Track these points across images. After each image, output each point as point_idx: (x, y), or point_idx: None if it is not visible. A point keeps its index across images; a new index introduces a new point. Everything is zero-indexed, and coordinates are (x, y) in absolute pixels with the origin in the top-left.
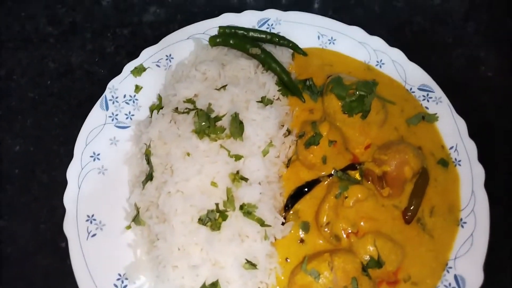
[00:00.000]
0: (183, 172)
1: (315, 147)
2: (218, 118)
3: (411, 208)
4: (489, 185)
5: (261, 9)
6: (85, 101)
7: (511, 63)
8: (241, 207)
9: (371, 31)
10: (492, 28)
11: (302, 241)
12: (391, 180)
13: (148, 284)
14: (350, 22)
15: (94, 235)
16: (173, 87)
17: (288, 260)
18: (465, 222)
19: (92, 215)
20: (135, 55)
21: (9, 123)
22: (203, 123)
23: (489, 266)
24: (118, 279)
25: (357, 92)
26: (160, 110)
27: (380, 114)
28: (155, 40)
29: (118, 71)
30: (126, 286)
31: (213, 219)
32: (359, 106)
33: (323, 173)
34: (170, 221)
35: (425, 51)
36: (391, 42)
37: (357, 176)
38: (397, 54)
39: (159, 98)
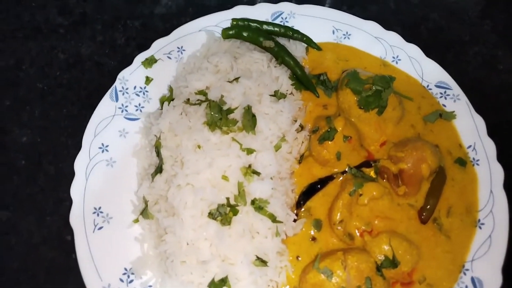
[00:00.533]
0: (194, 164)
1: (329, 142)
2: (230, 111)
3: (427, 207)
4: (509, 186)
5: (275, 2)
6: (95, 92)
7: None
8: (253, 202)
9: (386, 28)
10: (510, 27)
11: (314, 239)
12: (407, 178)
13: (154, 279)
14: (364, 18)
15: (101, 227)
16: (184, 78)
17: (299, 259)
18: (483, 223)
19: (99, 208)
20: (146, 47)
21: (17, 113)
22: (216, 115)
23: (508, 269)
24: (124, 274)
25: (374, 87)
26: (171, 102)
27: (397, 110)
28: (166, 33)
29: (129, 63)
30: (132, 281)
31: (224, 214)
32: (375, 101)
33: (336, 169)
34: (179, 214)
35: (441, 48)
36: (407, 39)
37: (372, 173)
38: (414, 50)
39: (170, 89)
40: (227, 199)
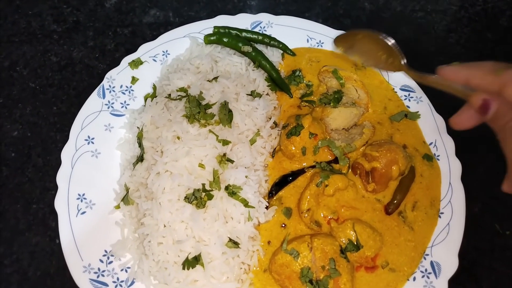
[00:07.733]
0: (173, 153)
1: (296, 137)
2: (208, 106)
3: (394, 202)
4: (467, 180)
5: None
6: (83, 92)
7: None
8: (227, 188)
9: None
10: (472, 41)
11: (284, 225)
12: (378, 177)
13: (133, 261)
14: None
15: (83, 212)
16: (167, 77)
17: (270, 243)
18: (442, 213)
19: (83, 194)
20: (134, 51)
21: (9, 110)
22: (194, 108)
23: (464, 254)
24: (104, 255)
25: None
26: (154, 98)
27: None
28: (153, 40)
29: (117, 65)
30: (111, 262)
31: (199, 198)
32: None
33: (304, 164)
34: (157, 199)
35: (408, 58)
36: None
37: (343, 169)
38: None
39: (154, 87)
40: (203, 185)
